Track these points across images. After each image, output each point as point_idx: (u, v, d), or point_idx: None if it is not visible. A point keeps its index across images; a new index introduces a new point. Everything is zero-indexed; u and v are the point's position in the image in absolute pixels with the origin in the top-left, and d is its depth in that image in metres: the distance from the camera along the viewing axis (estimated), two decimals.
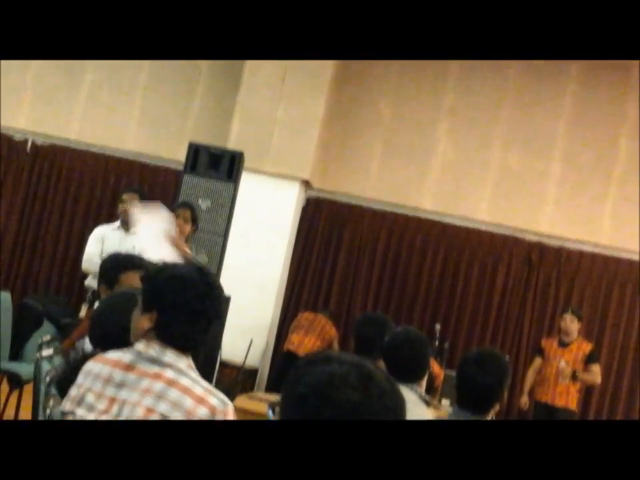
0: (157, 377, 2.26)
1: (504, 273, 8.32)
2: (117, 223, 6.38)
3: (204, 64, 8.72)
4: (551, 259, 8.30)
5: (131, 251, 5.89)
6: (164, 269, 2.44)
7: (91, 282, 6.04)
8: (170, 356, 2.30)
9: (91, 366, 2.39)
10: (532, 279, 8.30)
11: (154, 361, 2.30)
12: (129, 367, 2.30)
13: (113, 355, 2.38)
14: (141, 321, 2.39)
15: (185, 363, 2.32)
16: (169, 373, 2.27)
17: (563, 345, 7.15)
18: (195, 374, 2.32)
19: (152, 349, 2.32)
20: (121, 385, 2.28)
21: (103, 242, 6.17)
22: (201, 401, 2.23)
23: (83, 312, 5.63)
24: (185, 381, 2.26)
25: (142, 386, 2.25)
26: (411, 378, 3.48)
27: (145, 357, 2.31)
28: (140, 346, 2.35)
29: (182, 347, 2.33)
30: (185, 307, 2.33)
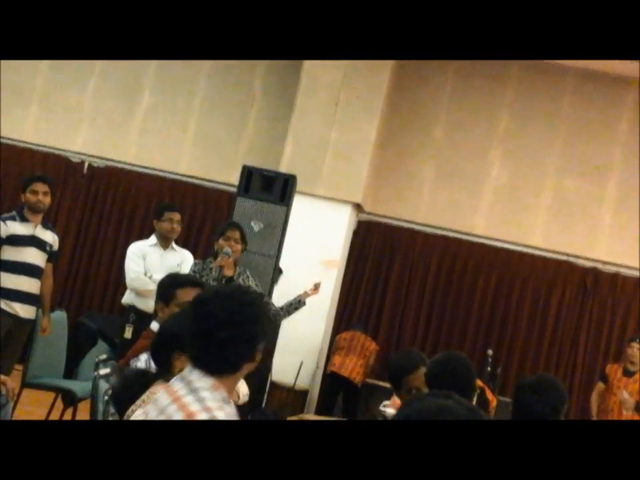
0: (171, 393, 2.25)
1: (558, 299, 8.22)
2: (153, 240, 6.34)
3: (258, 88, 8.81)
4: (606, 285, 8.19)
5: (173, 269, 5.96)
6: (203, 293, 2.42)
7: (133, 299, 6.06)
8: (195, 375, 2.24)
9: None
10: (587, 305, 8.19)
11: (182, 378, 2.27)
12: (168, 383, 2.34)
13: None
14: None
15: (208, 383, 2.23)
16: (181, 390, 2.23)
17: (628, 373, 6.96)
18: (208, 393, 2.22)
19: (187, 367, 2.30)
20: (156, 399, 2.30)
21: (144, 259, 6.19)
22: (189, 416, 2.17)
23: (128, 332, 5.61)
24: (188, 399, 2.20)
25: (159, 399, 2.26)
26: None
27: (181, 375, 2.30)
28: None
29: (202, 368, 2.25)
30: (206, 331, 2.26)
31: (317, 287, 6.19)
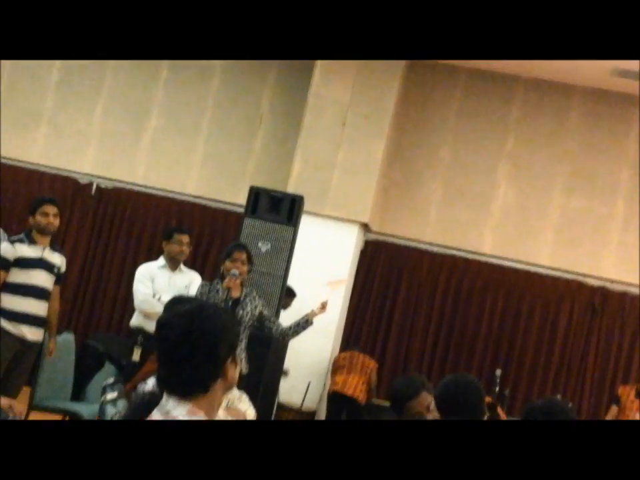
0: None
1: (566, 318, 8.18)
2: (161, 261, 6.36)
3: (265, 109, 8.84)
4: (614, 304, 8.15)
5: (182, 291, 5.97)
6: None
7: (141, 322, 6.06)
8: (171, 404, 2.16)
9: None
10: (595, 324, 8.15)
11: (161, 407, 2.20)
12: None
13: None
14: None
15: (184, 409, 2.15)
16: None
17: None
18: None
19: (164, 395, 2.21)
20: None
21: (153, 281, 6.20)
22: None
23: (136, 355, 5.61)
24: None
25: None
26: None
27: (160, 404, 2.22)
28: None
29: (173, 393, 2.16)
30: (166, 351, 2.19)
31: (323, 306, 6.20)
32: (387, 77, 8.22)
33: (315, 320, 6.17)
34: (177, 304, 3.99)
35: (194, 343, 2.16)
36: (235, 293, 5.66)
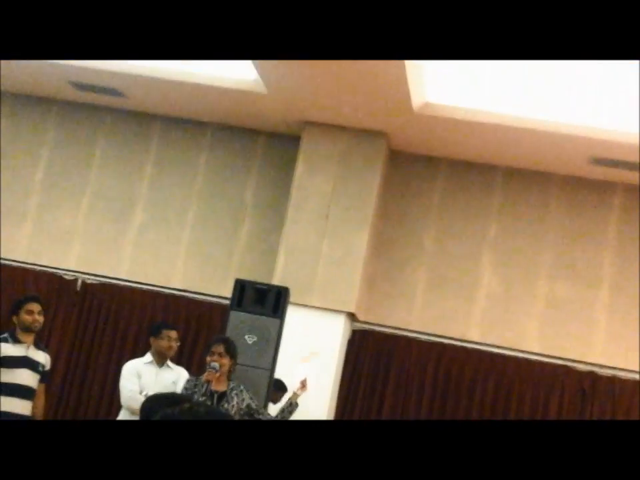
0: None
1: (557, 404, 8.12)
2: (148, 357, 6.34)
3: (249, 202, 8.92)
4: (604, 388, 8.10)
5: (169, 387, 5.93)
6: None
7: (128, 419, 5.98)
8: None
9: None
10: (586, 410, 8.08)
11: None
12: None
13: None
14: None
15: None
16: None
17: None
18: None
19: None
20: None
21: (139, 377, 6.17)
22: None
23: None
24: None
25: None
26: None
27: None
28: None
29: None
30: None
31: (304, 384, 6.29)
32: (368, 168, 8.34)
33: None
34: (154, 403, 3.94)
35: None
36: (218, 387, 5.66)
